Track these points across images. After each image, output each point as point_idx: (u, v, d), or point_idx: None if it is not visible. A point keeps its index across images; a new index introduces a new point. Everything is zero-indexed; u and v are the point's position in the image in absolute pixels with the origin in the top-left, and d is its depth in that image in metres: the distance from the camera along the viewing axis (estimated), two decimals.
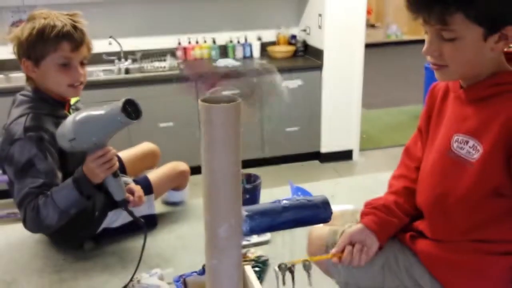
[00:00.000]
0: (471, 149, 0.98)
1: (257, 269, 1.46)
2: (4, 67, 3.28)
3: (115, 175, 1.36)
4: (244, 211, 0.80)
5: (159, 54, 3.49)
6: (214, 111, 0.68)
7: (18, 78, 3.16)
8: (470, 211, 1.01)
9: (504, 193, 0.97)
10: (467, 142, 1.00)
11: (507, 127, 0.93)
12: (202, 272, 1.26)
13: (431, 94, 1.17)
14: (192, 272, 1.30)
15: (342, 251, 1.12)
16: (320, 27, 3.42)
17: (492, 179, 0.96)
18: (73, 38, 1.40)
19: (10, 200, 1.53)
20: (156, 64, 3.35)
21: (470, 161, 0.98)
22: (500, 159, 0.94)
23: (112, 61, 3.44)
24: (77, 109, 1.56)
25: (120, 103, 1.20)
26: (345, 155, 3.69)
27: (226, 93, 0.71)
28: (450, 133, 1.04)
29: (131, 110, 1.22)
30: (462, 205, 1.01)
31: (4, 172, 1.45)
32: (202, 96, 0.68)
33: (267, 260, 1.52)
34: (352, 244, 1.12)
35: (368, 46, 4.03)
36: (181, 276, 1.28)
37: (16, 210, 2.24)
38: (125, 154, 1.87)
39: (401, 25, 8.33)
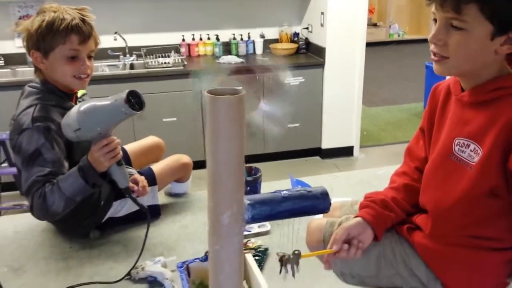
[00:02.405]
0: (472, 153, 1.00)
1: (257, 257, 1.50)
2: (11, 62, 3.32)
3: (119, 163, 1.39)
4: (246, 199, 0.83)
5: (163, 50, 3.53)
6: (219, 103, 0.70)
7: (24, 72, 3.20)
8: (466, 210, 1.04)
9: (499, 193, 0.99)
10: (468, 146, 1.01)
11: (506, 129, 0.93)
12: (205, 258, 1.30)
13: (433, 95, 1.17)
14: (195, 259, 1.34)
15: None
16: (322, 25, 3.45)
17: (489, 181, 0.98)
18: (82, 31, 1.44)
19: (16, 192, 1.56)
20: (160, 60, 3.39)
21: (470, 164, 1.00)
22: (497, 161, 0.96)
23: (117, 57, 3.47)
24: None
25: (124, 94, 1.24)
26: (346, 152, 3.73)
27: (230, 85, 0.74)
28: (452, 136, 1.05)
29: (135, 101, 1.26)
30: (459, 205, 1.03)
31: (11, 165, 1.48)
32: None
33: (267, 249, 1.56)
34: (349, 238, 1.12)
35: (369, 44, 4.04)
36: (184, 262, 1.32)
37: (22, 202, 2.28)
38: (131, 147, 1.90)
39: (403, 24, 8.34)
